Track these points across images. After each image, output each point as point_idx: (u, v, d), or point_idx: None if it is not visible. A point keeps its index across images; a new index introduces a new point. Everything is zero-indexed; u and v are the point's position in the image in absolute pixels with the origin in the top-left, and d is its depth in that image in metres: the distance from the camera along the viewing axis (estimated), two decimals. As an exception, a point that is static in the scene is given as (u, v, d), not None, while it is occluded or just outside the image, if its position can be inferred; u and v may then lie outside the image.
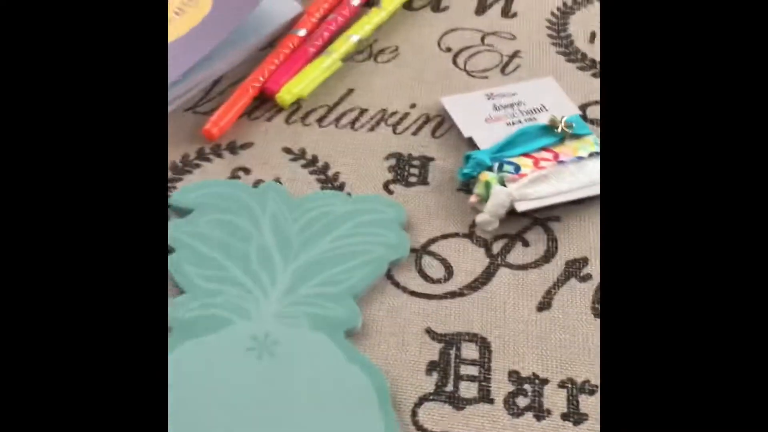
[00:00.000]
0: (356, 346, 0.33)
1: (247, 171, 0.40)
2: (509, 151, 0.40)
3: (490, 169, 0.39)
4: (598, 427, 0.31)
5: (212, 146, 0.41)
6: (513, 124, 0.42)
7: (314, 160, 0.41)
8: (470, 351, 0.34)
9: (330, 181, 0.40)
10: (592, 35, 0.48)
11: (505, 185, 0.38)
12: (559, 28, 0.49)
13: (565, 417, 0.32)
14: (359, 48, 0.47)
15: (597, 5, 0.50)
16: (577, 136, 0.41)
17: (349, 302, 0.34)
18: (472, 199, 0.39)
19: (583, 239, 0.38)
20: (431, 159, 0.41)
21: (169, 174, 0.40)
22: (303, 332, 0.33)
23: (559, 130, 0.40)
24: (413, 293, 0.36)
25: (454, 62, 0.46)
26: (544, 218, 0.38)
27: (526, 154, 0.40)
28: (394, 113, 0.43)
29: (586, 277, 0.36)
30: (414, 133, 0.42)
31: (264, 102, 0.44)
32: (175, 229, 0.37)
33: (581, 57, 0.47)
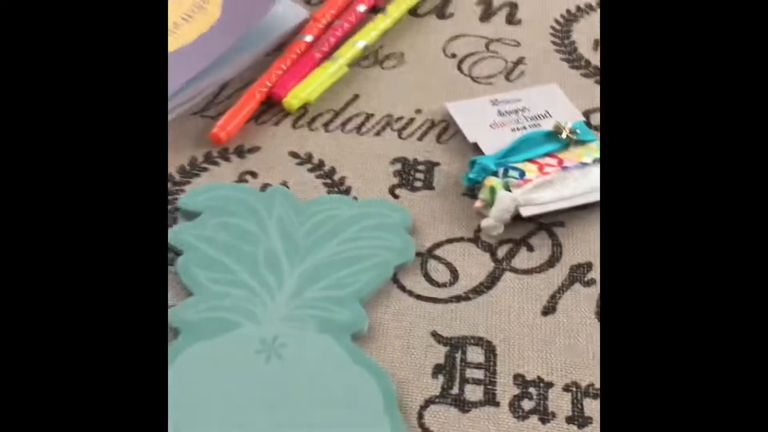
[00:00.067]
0: (362, 349, 0.34)
1: (254, 175, 0.41)
2: (514, 156, 0.40)
3: (495, 174, 0.39)
4: (602, 430, 0.31)
5: (220, 150, 0.42)
6: (517, 129, 0.42)
7: (321, 164, 0.41)
8: (476, 354, 0.34)
9: (336, 186, 0.40)
10: (596, 42, 0.48)
11: (510, 190, 0.38)
12: (563, 35, 0.49)
13: (569, 420, 0.32)
14: (365, 54, 0.47)
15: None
16: (581, 143, 0.41)
17: (356, 305, 0.35)
18: (478, 203, 0.39)
19: (588, 244, 0.38)
20: (436, 164, 0.41)
21: (177, 177, 0.40)
22: (310, 335, 0.34)
23: (564, 136, 0.41)
24: (419, 297, 0.36)
25: (459, 68, 0.47)
26: (548, 223, 0.39)
27: (530, 160, 0.40)
28: (399, 118, 0.44)
29: (591, 282, 0.36)
30: (419, 139, 0.43)
31: (271, 106, 0.44)
32: (183, 231, 0.37)
33: (585, 64, 0.47)
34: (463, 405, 0.32)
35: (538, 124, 0.42)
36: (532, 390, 0.33)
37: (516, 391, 0.33)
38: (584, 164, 0.40)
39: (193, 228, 0.37)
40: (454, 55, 0.48)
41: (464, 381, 0.33)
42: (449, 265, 0.37)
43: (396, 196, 0.40)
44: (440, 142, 0.43)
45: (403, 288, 0.36)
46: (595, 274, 0.37)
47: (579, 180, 0.39)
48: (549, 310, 0.36)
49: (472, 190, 0.40)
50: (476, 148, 0.41)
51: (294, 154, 0.42)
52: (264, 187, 0.40)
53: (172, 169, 0.41)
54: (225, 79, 0.45)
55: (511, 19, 0.50)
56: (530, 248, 0.38)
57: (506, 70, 0.47)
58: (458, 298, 0.36)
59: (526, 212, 0.38)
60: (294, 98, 0.44)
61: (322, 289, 0.35)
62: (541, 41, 0.48)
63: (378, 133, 0.43)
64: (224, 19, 0.45)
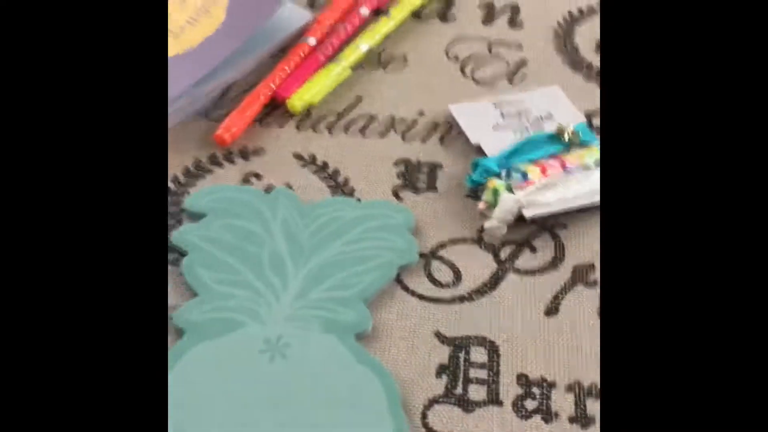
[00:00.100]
0: (366, 349, 0.34)
1: (258, 176, 0.41)
2: (516, 158, 0.40)
3: (497, 176, 0.39)
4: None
5: (224, 152, 0.42)
6: (520, 131, 0.42)
7: (324, 166, 0.41)
8: (479, 354, 0.34)
9: (340, 187, 0.40)
10: (598, 45, 0.49)
11: (512, 192, 0.38)
12: (565, 37, 0.49)
13: (572, 420, 0.32)
14: (368, 56, 0.47)
15: (602, 16, 0.51)
16: (583, 145, 0.41)
17: (360, 306, 0.35)
18: (481, 205, 0.39)
19: (590, 246, 0.38)
20: (439, 165, 0.42)
21: (182, 179, 0.41)
22: (314, 335, 0.34)
23: (566, 138, 0.41)
24: (422, 297, 0.36)
25: (462, 71, 0.47)
26: (551, 225, 0.39)
27: (533, 162, 0.40)
28: (402, 120, 0.44)
29: (593, 283, 0.37)
30: (422, 140, 0.43)
31: (275, 109, 0.44)
32: (188, 232, 0.37)
33: (587, 66, 0.47)
34: (466, 405, 0.33)
35: (541, 126, 0.43)
36: (535, 390, 0.33)
37: (519, 390, 0.33)
38: (586, 166, 0.40)
39: (198, 229, 0.37)
40: (456, 58, 0.48)
41: (468, 381, 0.33)
42: (452, 266, 0.37)
43: (399, 198, 0.40)
44: (443, 144, 0.43)
45: (406, 289, 0.36)
46: (598, 275, 0.37)
47: (581, 182, 0.39)
48: (552, 310, 0.36)
49: (475, 192, 0.40)
50: (479, 150, 0.42)
51: (298, 156, 0.42)
52: (268, 188, 0.40)
53: (177, 170, 0.41)
54: (229, 82, 0.45)
55: (513, 22, 0.50)
56: (533, 249, 0.38)
57: (508, 73, 0.47)
58: (462, 299, 0.36)
59: (529, 214, 0.38)
60: (298, 100, 0.44)
61: (326, 290, 0.35)
62: (543, 43, 0.49)
63: (381, 135, 0.43)
64: (229, 23, 0.45)
